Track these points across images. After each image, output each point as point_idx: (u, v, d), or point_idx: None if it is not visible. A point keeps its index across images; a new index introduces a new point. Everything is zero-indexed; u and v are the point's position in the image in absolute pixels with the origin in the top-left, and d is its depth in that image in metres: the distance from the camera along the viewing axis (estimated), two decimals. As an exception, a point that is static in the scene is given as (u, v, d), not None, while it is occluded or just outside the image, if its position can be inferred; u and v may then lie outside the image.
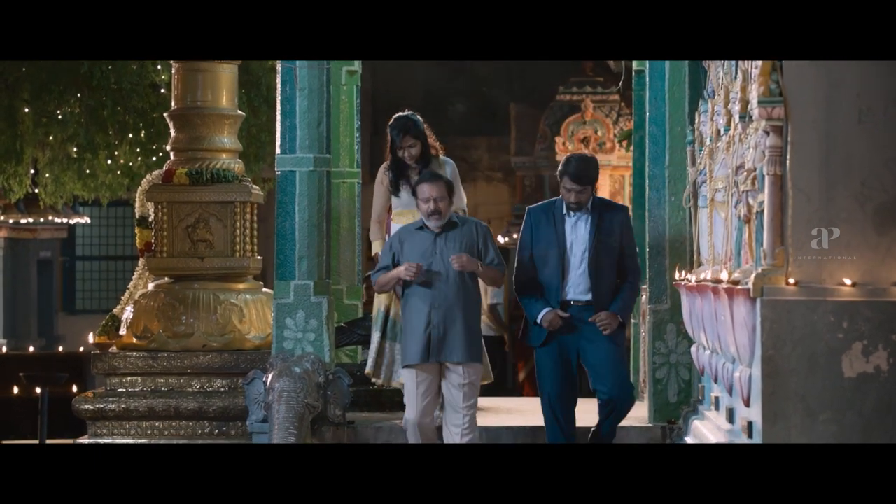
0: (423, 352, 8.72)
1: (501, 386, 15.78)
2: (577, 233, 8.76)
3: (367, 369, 9.51)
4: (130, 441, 10.10)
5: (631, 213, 11.92)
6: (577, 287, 8.76)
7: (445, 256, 8.73)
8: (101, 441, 10.06)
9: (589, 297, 8.74)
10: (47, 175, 16.24)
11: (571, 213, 8.76)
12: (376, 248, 9.54)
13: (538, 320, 8.74)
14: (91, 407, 10.15)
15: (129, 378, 10.23)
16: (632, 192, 12.32)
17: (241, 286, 10.58)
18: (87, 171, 15.86)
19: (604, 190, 18.48)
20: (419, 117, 9.66)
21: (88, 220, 20.27)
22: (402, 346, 8.90)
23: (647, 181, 9.86)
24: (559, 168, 8.78)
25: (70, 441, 15.45)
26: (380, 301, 9.45)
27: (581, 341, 8.75)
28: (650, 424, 9.60)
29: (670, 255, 9.70)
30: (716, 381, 8.43)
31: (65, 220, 19.66)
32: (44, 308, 21.49)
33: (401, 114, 9.65)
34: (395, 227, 9.39)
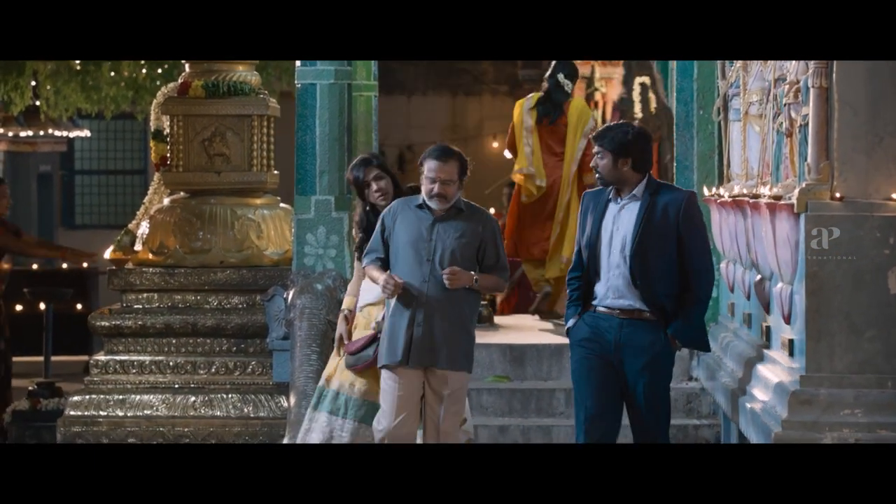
0: (401, 353, 7.44)
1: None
2: (621, 222, 7.16)
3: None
4: (147, 358, 9.95)
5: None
6: (614, 290, 7.16)
7: (440, 246, 7.44)
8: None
9: (627, 303, 7.14)
10: (48, 87, 15.99)
11: (619, 199, 7.18)
12: (346, 304, 8.06)
13: (566, 327, 7.37)
14: (107, 324, 10.01)
15: (145, 294, 10.08)
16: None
17: (258, 201, 10.42)
18: (91, 84, 15.63)
19: (611, 102, 18.17)
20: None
21: (88, 134, 20.01)
22: (384, 342, 7.57)
23: (673, 94, 9.68)
24: None
25: (84, 358, 15.41)
26: (327, 371, 8.07)
27: (622, 363, 7.19)
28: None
29: (698, 169, 9.55)
30: (748, 298, 8.31)
31: (65, 134, 19.40)
32: (44, 223, 21.28)
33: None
34: (365, 286, 7.92)
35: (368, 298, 7.92)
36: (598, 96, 18.37)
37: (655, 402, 7.17)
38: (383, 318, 7.61)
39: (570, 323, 7.29)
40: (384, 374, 7.54)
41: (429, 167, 7.45)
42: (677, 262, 7.12)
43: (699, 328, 7.25)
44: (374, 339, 7.73)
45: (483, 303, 11.11)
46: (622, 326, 7.15)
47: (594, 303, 7.23)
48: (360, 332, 7.89)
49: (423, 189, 7.50)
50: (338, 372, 7.95)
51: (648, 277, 7.10)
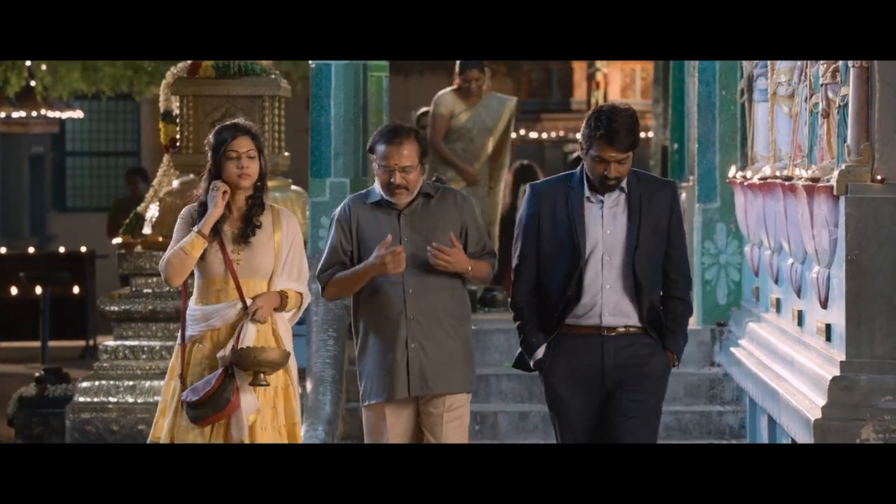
0: (402, 383, 6.17)
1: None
2: (610, 226, 5.96)
3: None
4: (157, 343, 9.77)
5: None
6: (608, 307, 5.97)
7: (419, 244, 6.14)
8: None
9: (623, 320, 5.99)
10: (44, 67, 15.78)
11: (594, 197, 5.99)
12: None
13: (532, 362, 6.15)
14: (116, 308, 9.82)
15: (155, 278, 9.87)
16: (655, 86, 12.03)
17: (270, 183, 10.13)
18: (88, 64, 15.42)
19: (614, 84, 18.01)
20: None
21: (81, 115, 19.77)
22: (368, 377, 6.24)
23: (695, 75, 9.54)
24: (585, 129, 5.92)
25: (81, 343, 15.24)
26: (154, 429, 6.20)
27: (616, 387, 6.01)
28: (699, 327, 9.34)
29: (721, 151, 9.40)
30: (777, 282, 8.17)
31: (58, 115, 19.16)
32: (36, 206, 21.03)
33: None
34: (199, 310, 6.15)
35: (213, 323, 6.11)
36: (599, 77, 18.25)
37: (641, 427, 6.02)
38: (234, 347, 6.00)
39: (541, 354, 6.08)
40: (371, 415, 6.28)
41: (381, 154, 6.13)
42: (661, 264, 6.05)
43: (686, 331, 6.17)
44: (226, 377, 5.98)
45: (497, 286, 10.98)
46: (616, 347, 5.98)
47: (568, 322, 6.00)
48: (196, 371, 6.09)
49: (378, 181, 6.19)
50: (175, 430, 6.08)
51: (648, 288, 6.00)
